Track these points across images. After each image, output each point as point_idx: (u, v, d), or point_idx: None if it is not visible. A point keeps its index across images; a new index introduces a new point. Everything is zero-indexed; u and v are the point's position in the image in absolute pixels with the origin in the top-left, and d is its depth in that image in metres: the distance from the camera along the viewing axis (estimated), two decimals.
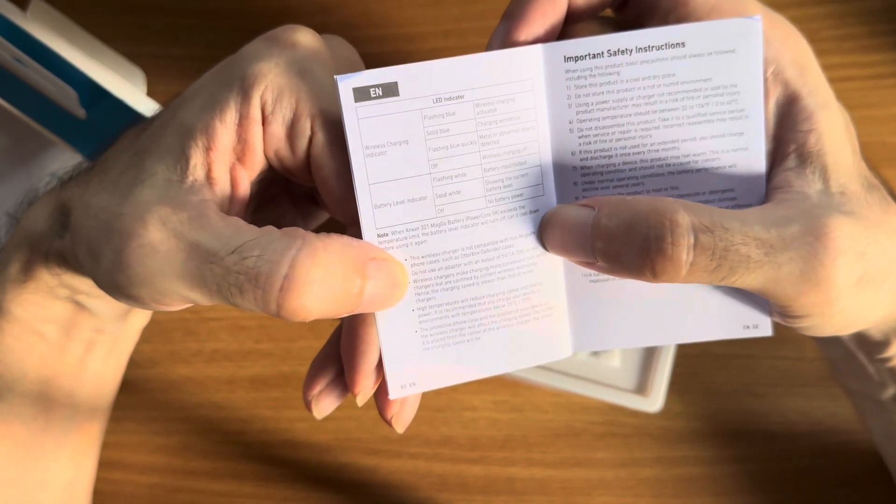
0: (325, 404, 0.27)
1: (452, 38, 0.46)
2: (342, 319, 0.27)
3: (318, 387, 0.27)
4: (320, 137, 0.25)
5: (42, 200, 0.30)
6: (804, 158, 0.25)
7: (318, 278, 0.23)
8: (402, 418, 0.27)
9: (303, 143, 0.25)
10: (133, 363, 0.36)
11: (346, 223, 0.27)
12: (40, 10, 0.42)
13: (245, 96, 0.25)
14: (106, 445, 0.38)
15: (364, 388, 0.26)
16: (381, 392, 0.27)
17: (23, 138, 0.45)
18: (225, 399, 0.45)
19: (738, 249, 0.23)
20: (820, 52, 0.26)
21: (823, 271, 0.24)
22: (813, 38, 0.26)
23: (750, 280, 0.24)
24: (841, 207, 0.25)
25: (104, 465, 0.43)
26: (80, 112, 0.41)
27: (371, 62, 0.30)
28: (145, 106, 0.40)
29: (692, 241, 0.23)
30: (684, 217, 0.23)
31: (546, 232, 0.26)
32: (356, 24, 0.46)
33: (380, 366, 0.26)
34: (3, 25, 0.39)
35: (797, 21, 0.27)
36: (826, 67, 0.26)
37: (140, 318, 0.35)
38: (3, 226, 0.32)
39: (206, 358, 0.45)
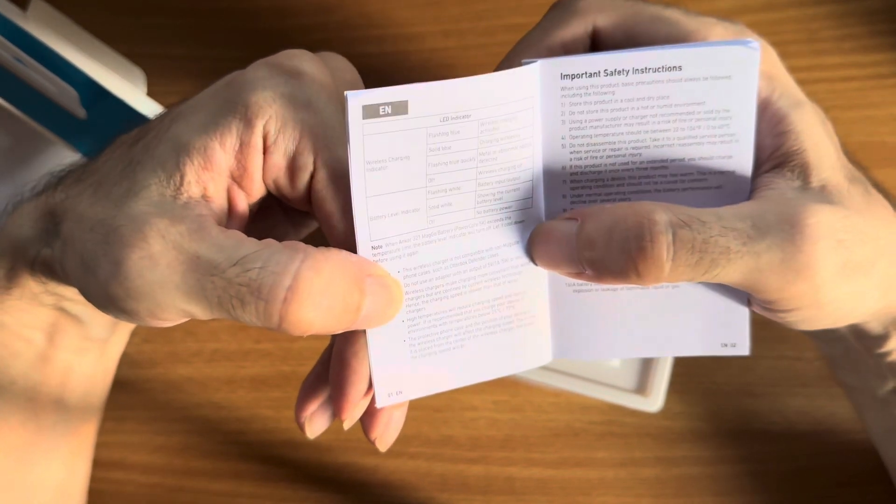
0: (317, 425, 0.27)
1: (452, 38, 0.45)
2: (333, 343, 0.27)
3: (311, 408, 0.27)
4: (323, 174, 0.25)
5: (28, 205, 0.29)
6: (783, 160, 0.26)
7: (321, 291, 0.23)
8: (385, 439, 0.27)
9: (304, 177, 0.25)
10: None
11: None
12: (40, 10, 0.42)
13: (248, 124, 0.24)
14: (106, 445, 0.38)
15: (351, 416, 0.26)
16: (366, 413, 0.27)
17: (23, 138, 0.45)
18: (225, 399, 0.45)
19: (716, 241, 0.23)
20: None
21: (803, 257, 0.24)
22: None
23: (732, 272, 0.24)
24: (819, 199, 0.25)
25: (104, 465, 0.43)
26: (81, 112, 0.41)
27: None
28: (145, 106, 0.40)
29: (671, 237, 0.23)
30: (661, 215, 0.23)
31: (534, 248, 0.26)
32: (356, 24, 0.46)
33: (367, 394, 0.26)
34: (3, 25, 0.39)
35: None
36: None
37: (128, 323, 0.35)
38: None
39: (207, 358, 0.45)
